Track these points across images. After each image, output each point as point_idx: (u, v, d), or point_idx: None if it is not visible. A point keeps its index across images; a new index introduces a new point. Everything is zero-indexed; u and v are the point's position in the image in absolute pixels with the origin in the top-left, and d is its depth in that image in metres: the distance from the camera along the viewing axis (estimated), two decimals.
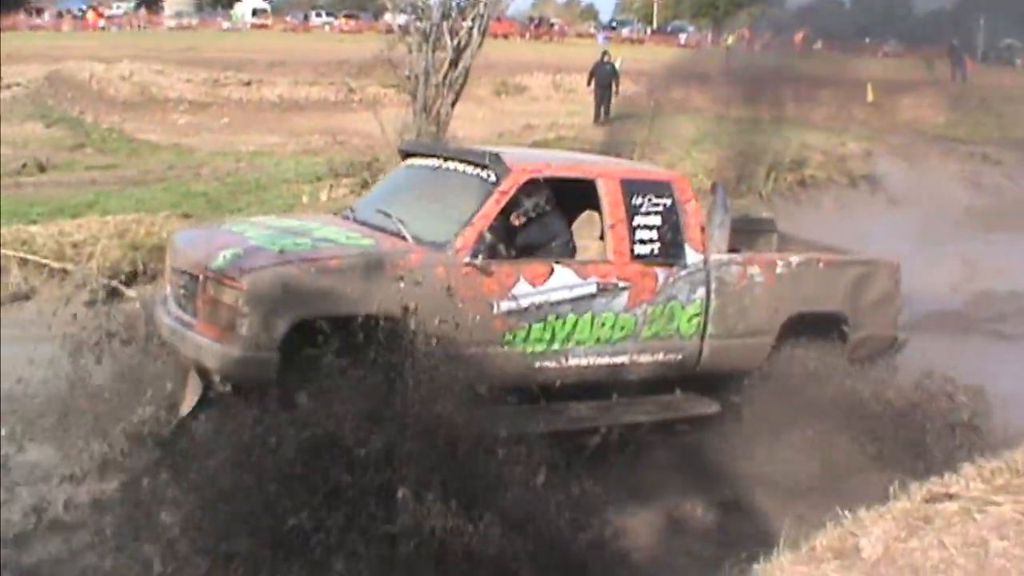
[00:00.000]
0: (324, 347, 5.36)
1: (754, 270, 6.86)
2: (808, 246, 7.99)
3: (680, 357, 6.63)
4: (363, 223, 6.31)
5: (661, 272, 6.45)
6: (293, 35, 48.14)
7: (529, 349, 6.05)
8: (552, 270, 6.07)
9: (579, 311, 6.16)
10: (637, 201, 6.39)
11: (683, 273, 6.53)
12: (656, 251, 6.43)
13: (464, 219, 5.95)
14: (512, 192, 6.09)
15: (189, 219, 10.99)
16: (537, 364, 6.10)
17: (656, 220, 6.44)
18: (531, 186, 6.26)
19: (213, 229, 6.51)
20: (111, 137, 18.65)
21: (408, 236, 5.90)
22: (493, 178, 6.12)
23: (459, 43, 13.24)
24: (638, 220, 6.38)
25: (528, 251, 6.25)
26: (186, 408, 5.77)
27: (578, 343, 6.20)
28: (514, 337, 5.97)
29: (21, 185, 13.74)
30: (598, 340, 6.27)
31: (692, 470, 6.55)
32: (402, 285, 5.57)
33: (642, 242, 6.39)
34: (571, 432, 6.17)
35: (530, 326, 6.01)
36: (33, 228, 10.29)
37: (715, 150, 16.82)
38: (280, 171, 15.46)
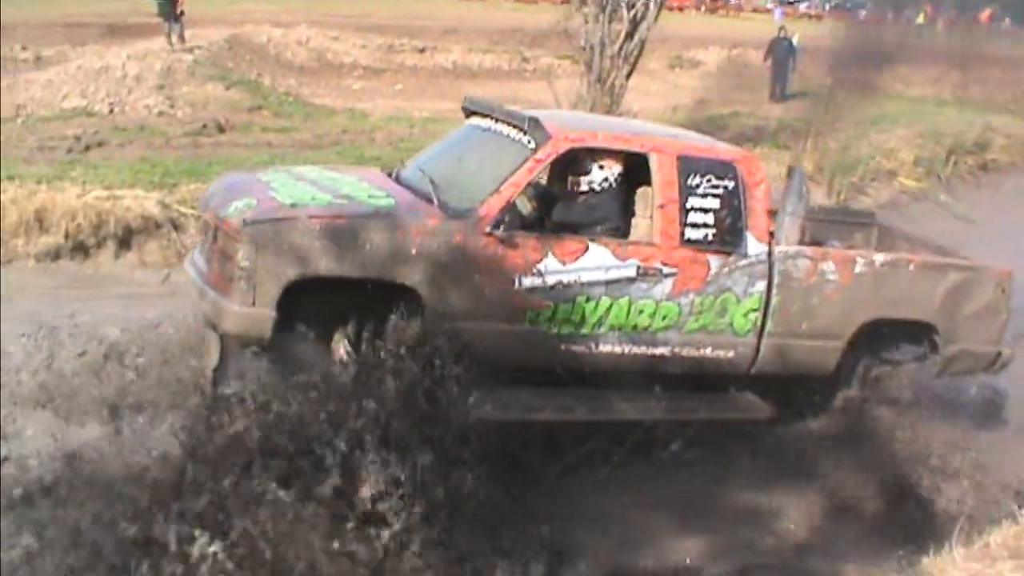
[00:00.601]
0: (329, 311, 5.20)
1: (827, 266, 6.17)
2: (912, 245, 7.18)
3: (732, 355, 6.04)
4: (402, 182, 5.99)
5: (715, 260, 5.86)
6: (467, 2, 48.42)
7: (555, 330, 5.61)
8: (587, 248, 5.60)
9: (614, 295, 5.66)
10: (694, 181, 5.81)
11: (741, 263, 5.92)
12: (710, 237, 5.84)
13: (494, 186, 5.54)
14: (548, 161, 5.64)
15: None
16: (564, 347, 5.67)
17: (714, 203, 5.84)
18: (603, 158, 5.80)
19: (247, 176, 6.33)
20: (287, 101, 18.95)
21: (436, 199, 5.55)
22: (532, 144, 5.68)
23: (635, 15, 13.12)
24: (693, 202, 5.80)
25: (571, 228, 5.78)
26: (210, 363, 5.65)
27: (612, 329, 5.72)
28: (538, 316, 5.55)
29: (200, 145, 13.89)
30: (635, 328, 5.77)
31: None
32: (413, 251, 5.25)
33: (695, 226, 5.81)
34: (606, 424, 5.77)
35: (557, 306, 5.57)
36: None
37: (894, 131, 16.15)
38: None
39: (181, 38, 20.08)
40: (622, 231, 5.89)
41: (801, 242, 6.24)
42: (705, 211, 5.82)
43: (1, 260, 9.19)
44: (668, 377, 6.01)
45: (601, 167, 5.80)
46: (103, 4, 27.96)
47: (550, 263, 5.51)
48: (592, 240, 5.64)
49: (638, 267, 5.69)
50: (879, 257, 6.39)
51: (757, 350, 6.09)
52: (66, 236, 9.55)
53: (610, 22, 13.12)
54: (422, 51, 25.90)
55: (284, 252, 5.10)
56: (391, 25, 28.81)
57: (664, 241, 5.75)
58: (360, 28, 27.50)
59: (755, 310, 6.00)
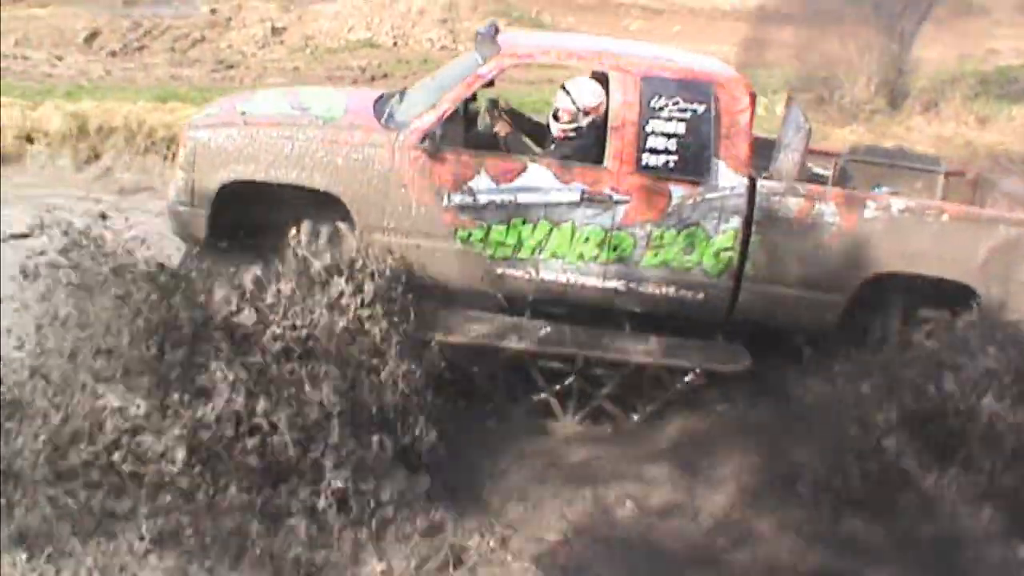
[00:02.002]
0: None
1: (827, 207, 5.44)
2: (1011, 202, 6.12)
3: (702, 296, 5.52)
4: (379, 104, 6.02)
5: (678, 190, 5.37)
6: None
7: (489, 252, 5.43)
8: (525, 168, 5.35)
9: (555, 219, 5.37)
10: (659, 103, 5.33)
11: (711, 196, 5.38)
12: (672, 164, 5.36)
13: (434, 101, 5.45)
14: (491, 76, 5.44)
15: None
16: (500, 271, 5.46)
17: (679, 128, 5.35)
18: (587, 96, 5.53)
19: (250, 91, 6.65)
20: None
21: (390, 117, 5.56)
22: (480, 60, 5.51)
23: None
24: (654, 125, 5.34)
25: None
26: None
27: (554, 256, 5.43)
28: (469, 235, 5.39)
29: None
30: (580, 256, 5.43)
31: None
32: (340, 161, 5.30)
33: (654, 151, 5.34)
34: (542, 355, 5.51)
35: (490, 226, 5.38)
36: None
37: None
38: None
39: None
40: None
41: (801, 179, 5.56)
42: (668, 136, 5.34)
43: None
44: (654, 318, 5.63)
45: (587, 112, 5.47)
46: None
47: (482, 181, 5.33)
48: (532, 160, 5.39)
49: (583, 191, 5.35)
50: (899, 202, 5.54)
51: (735, 295, 5.52)
52: None
53: None
54: None
55: (217, 155, 5.36)
56: None
57: (616, 166, 5.36)
58: None
59: (728, 249, 5.44)
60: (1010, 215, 5.66)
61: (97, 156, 9.15)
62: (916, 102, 13.13)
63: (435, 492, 4.65)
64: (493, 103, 5.76)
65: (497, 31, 5.69)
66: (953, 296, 5.53)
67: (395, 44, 16.08)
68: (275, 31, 15.98)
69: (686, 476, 5.20)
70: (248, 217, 5.38)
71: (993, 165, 9.26)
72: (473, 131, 5.78)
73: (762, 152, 5.72)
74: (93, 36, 14.18)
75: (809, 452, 5.03)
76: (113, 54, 13.69)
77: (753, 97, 5.48)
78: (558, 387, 5.54)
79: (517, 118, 5.90)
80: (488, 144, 5.63)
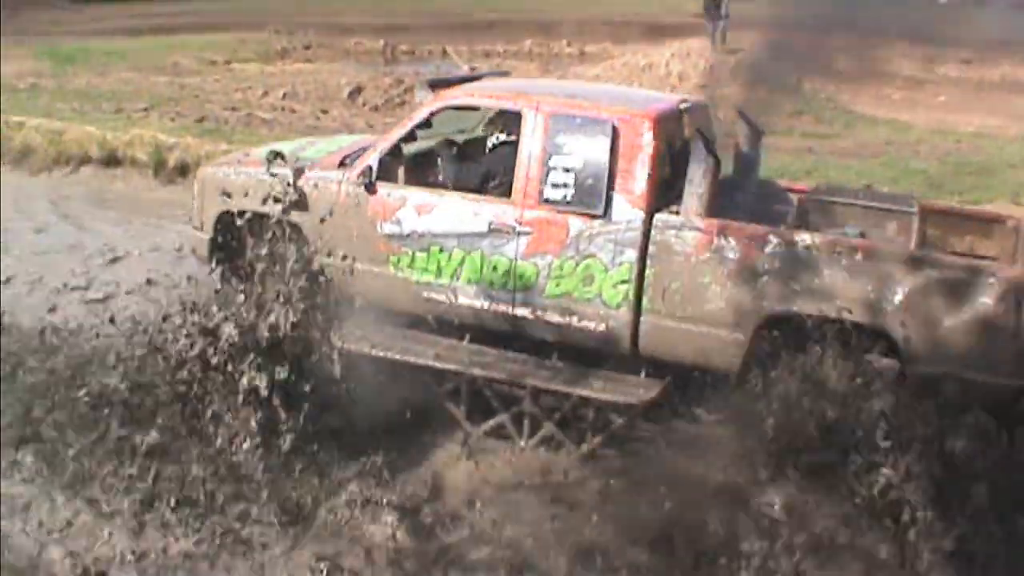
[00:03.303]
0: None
1: (727, 242, 5.36)
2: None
3: (604, 328, 5.64)
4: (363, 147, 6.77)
5: (576, 223, 5.60)
6: None
7: (415, 277, 5.99)
8: (441, 200, 5.88)
9: (466, 248, 5.83)
10: (561, 139, 5.64)
11: (607, 229, 5.54)
12: (569, 198, 5.59)
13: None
14: (421, 119, 6.05)
15: None
16: (425, 295, 6.00)
17: (577, 163, 5.59)
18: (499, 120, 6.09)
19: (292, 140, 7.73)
20: (828, 107, 19.11)
21: (354, 157, 6.35)
22: (425, 102, 6.16)
23: None
24: (557, 160, 5.63)
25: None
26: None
27: (468, 282, 5.87)
28: (399, 261, 6.00)
29: None
30: (491, 284, 5.81)
31: None
32: (304, 195, 6.20)
33: (555, 185, 5.63)
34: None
35: (414, 253, 5.96)
36: None
37: None
38: (1004, 155, 14.51)
39: (723, 38, 20.60)
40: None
41: (712, 214, 5.48)
42: (568, 170, 5.61)
43: None
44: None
45: (495, 128, 6.00)
46: (644, 3, 29.69)
47: (406, 213, 5.95)
48: (448, 193, 5.90)
49: (490, 223, 5.76)
50: (808, 237, 5.26)
51: (635, 327, 5.57)
52: None
53: None
54: (967, 63, 23.20)
55: (216, 190, 6.51)
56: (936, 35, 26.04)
57: (520, 199, 5.71)
58: (899, 36, 25.44)
59: (625, 282, 5.53)
60: (939, 256, 5.13)
61: None
62: None
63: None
64: (445, 141, 6.37)
65: (437, 83, 6.28)
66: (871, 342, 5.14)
67: None
68: None
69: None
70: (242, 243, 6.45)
71: None
72: (428, 166, 6.39)
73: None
74: (357, 91, 15.70)
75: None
76: (375, 108, 15.04)
77: (661, 136, 5.56)
78: (513, 411, 5.86)
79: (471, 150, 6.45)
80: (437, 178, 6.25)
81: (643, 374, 5.75)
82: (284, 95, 15.29)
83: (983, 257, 5.82)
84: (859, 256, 5.16)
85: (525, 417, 5.89)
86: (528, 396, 5.78)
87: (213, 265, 6.41)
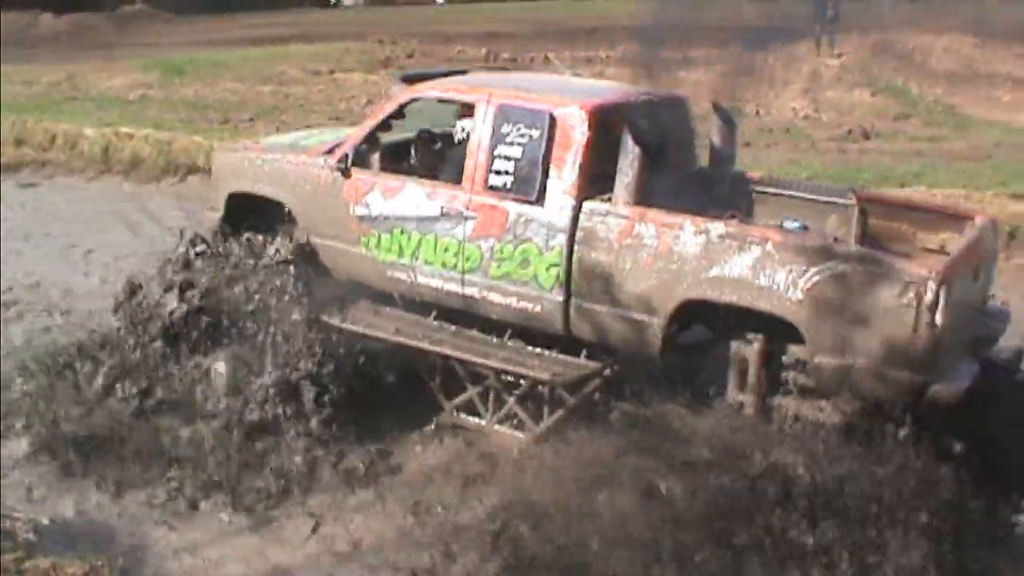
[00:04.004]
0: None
1: (646, 229, 5.53)
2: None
3: (540, 309, 5.92)
4: None
5: (514, 208, 5.90)
6: None
7: (381, 256, 6.44)
8: (404, 186, 6.31)
9: (423, 231, 6.23)
10: (506, 129, 5.94)
11: (540, 215, 5.81)
12: (509, 185, 5.90)
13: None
14: (390, 111, 6.48)
15: (1020, 199, 10.86)
16: (389, 273, 6.44)
17: (517, 152, 5.88)
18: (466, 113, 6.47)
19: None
20: (936, 109, 18.33)
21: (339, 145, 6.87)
22: (398, 95, 6.60)
23: None
24: (501, 149, 5.95)
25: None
26: None
27: (425, 262, 6.27)
28: (368, 241, 6.48)
29: (845, 151, 14.36)
30: (444, 265, 6.19)
31: None
32: (290, 179, 6.79)
33: (498, 173, 5.95)
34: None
35: (380, 235, 6.41)
36: None
37: None
38: None
39: (831, 42, 20.34)
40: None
41: (640, 203, 5.65)
42: (509, 159, 5.92)
43: None
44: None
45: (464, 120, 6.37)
46: (745, 7, 28.33)
47: (374, 197, 6.42)
48: (411, 180, 6.32)
49: (442, 207, 6.15)
50: (718, 227, 5.35)
51: (566, 309, 5.82)
52: None
53: None
54: None
55: (227, 173, 7.20)
56: None
57: (468, 185, 6.07)
58: (1013, 36, 23.62)
59: (556, 265, 5.79)
60: (846, 247, 5.12)
61: None
62: None
63: None
64: (421, 133, 6.78)
65: (411, 77, 6.69)
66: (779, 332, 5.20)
67: (757, 112, 16.37)
68: None
69: None
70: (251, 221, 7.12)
71: None
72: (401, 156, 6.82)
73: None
74: None
75: None
76: None
77: (596, 128, 5.76)
78: (480, 388, 6.29)
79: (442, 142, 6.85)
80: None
81: (583, 355, 6.01)
82: None
83: (931, 251, 5.72)
84: (769, 246, 5.22)
85: (491, 393, 6.28)
86: (492, 373, 6.15)
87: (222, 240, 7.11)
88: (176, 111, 15.45)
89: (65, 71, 19.64)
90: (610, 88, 6.83)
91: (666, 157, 5.88)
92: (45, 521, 5.39)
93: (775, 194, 6.11)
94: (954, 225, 5.87)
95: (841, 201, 5.79)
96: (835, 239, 5.54)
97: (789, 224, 5.81)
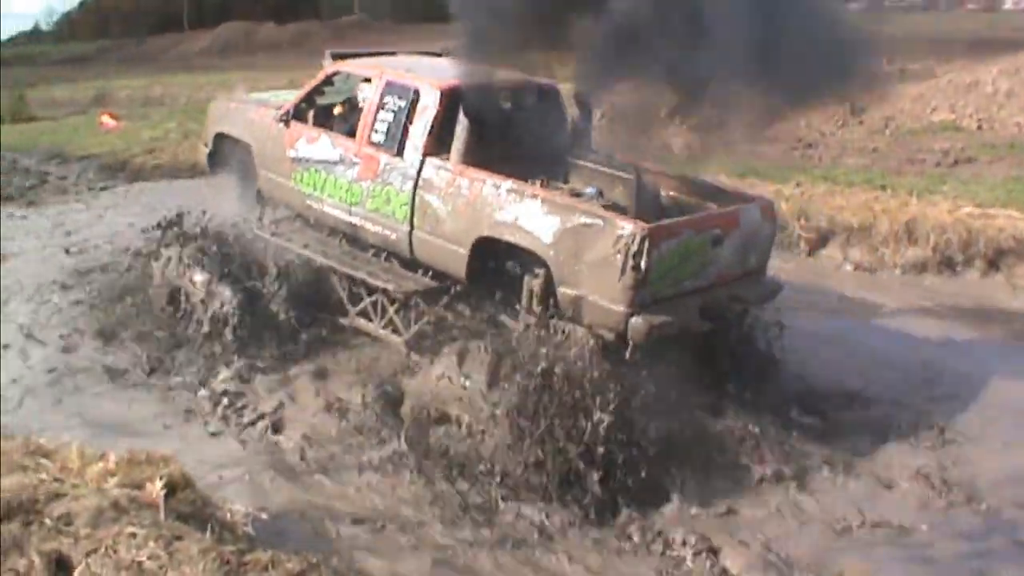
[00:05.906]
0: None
1: (463, 182, 7.30)
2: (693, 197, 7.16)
3: (395, 237, 7.78)
4: None
5: (384, 158, 7.77)
6: None
7: (304, 190, 8.45)
8: (319, 137, 8.29)
9: (328, 172, 8.19)
10: (387, 99, 7.83)
11: (399, 165, 7.66)
12: (382, 141, 7.77)
13: None
14: (318, 81, 8.47)
15: None
16: (308, 203, 8.45)
17: (391, 116, 7.75)
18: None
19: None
20: None
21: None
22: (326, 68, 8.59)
23: None
24: (382, 114, 7.83)
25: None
26: None
27: (329, 196, 8.23)
28: (298, 178, 8.50)
29: None
30: (340, 199, 8.14)
31: None
32: (254, 125, 8.91)
33: (377, 131, 7.83)
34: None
35: (303, 173, 8.42)
36: None
37: None
38: None
39: None
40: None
41: (466, 163, 7.39)
42: (385, 121, 7.80)
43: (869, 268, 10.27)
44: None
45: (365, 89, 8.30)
46: (967, 18, 27.00)
47: (302, 143, 8.43)
48: (324, 132, 8.29)
49: (341, 155, 8.09)
50: (507, 184, 7.05)
51: (411, 238, 7.66)
52: (934, 250, 9.94)
53: None
54: None
55: (216, 117, 9.42)
56: None
57: (359, 139, 7.98)
58: None
59: (405, 204, 7.63)
60: (584, 206, 6.73)
61: None
62: None
63: None
64: (345, 99, 8.72)
65: (338, 55, 8.64)
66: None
67: (979, 127, 15.85)
68: (854, 111, 16.20)
69: None
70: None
71: None
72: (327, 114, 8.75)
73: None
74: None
75: None
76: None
77: (446, 103, 7.53)
78: (373, 299, 8.19)
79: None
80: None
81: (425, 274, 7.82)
82: None
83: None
84: (536, 200, 6.89)
85: (379, 303, 8.20)
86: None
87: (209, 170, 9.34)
88: None
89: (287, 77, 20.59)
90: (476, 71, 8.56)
91: (509, 130, 7.62)
92: (264, 516, 5.44)
93: (585, 167, 7.68)
94: (738, 203, 7.31)
95: (623, 175, 7.33)
96: (598, 199, 7.10)
97: (588, 191, 7.39)
